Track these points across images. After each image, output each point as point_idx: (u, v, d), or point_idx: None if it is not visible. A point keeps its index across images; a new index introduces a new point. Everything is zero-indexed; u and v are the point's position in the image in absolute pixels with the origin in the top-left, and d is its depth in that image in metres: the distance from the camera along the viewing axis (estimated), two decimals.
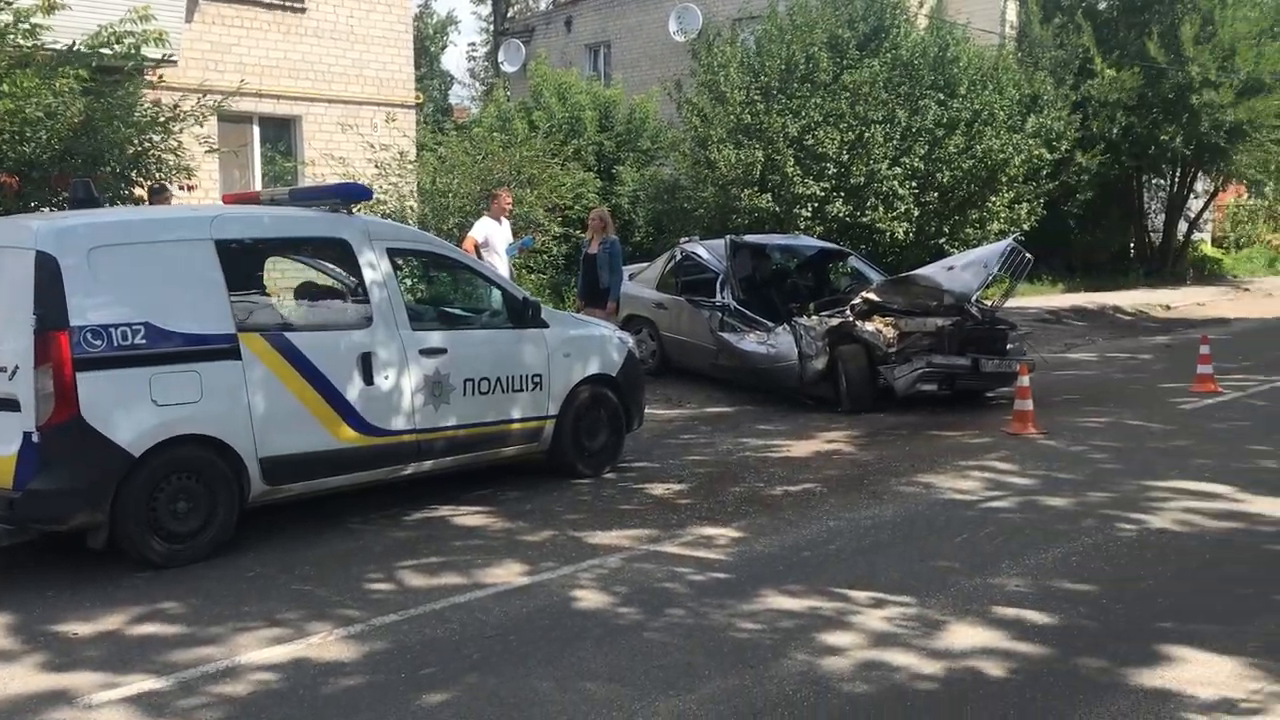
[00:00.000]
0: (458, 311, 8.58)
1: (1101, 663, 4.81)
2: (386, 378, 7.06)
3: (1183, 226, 26.88)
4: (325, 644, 5.12)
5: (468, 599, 5.69)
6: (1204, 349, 12.04)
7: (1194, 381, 11.77)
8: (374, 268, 7.21)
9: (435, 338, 7.48)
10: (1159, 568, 6.10)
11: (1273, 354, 14.41)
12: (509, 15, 38.42)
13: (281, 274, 9.32)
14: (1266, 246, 31.90)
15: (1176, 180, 25.82)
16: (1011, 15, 24.35)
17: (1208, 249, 30.13)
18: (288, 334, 6.76)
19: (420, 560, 6.36)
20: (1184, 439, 9.43)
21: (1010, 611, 5.42)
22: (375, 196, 14.99)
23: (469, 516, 7.34)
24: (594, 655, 4.94)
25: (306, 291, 7.81)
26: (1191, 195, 26.81)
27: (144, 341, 6.14)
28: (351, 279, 7.46)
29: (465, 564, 6.28)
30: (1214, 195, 28.36)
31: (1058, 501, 7.48)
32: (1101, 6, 24.12)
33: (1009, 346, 11.19)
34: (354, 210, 7.60)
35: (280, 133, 16.80)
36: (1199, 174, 25.99)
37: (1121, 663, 4.80)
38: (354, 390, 6.89)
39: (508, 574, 6.10)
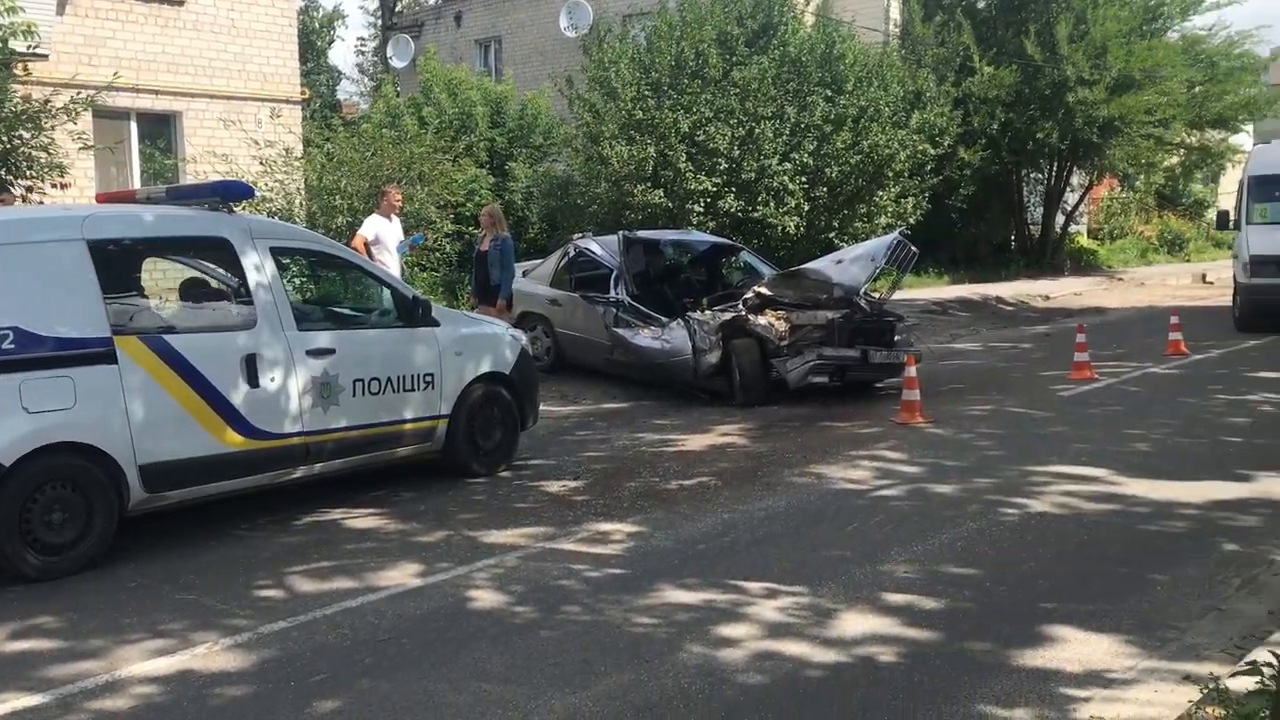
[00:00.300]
0: (346, 311, 8.43)
1: (986, 644, 4.95)
2: (272, 380, 6.90)
3: (1060, 219, 27.80)
4: (211, 654, 4.98)
5: (360, 603, 5.60)
6: (1080, 337, 12.48)
7: (1072, 369, 12.19)
8: (257, 267, 7.03)
9: (323, 338, 7.34)
10: (1040, 550, 6.30)
11: (1145, 341, 14.99)
12: (397, 10, 37.82)
13: (163, 274, 9.05)
14: (1138, 238, 33.19)
15: (1053, 175, 26.69)
16: (895, 13, 24.89)
17: (1084, 241, 31.23)
18: (167, 337, 6.55)
19: (310, 565, 6.24)
20: (1063, 425, 9.75)
21: (899, 598, 5.54)
22: (261, 194, 14.66)
23: (361, 519, 7.22)
24: (489, 655, 4.91)
25: (189, 292, 7.57)
26: (1068, 189, 27.74)
27: (13, 347, 5.89)
28: (234, 279, 7.26)
29: (357, 567, 6.18)
30: (1089, 189, 29.41)
31: (944, 488, 7.67)
32: (980, 5, 24.80)
33: (897, 338, 11.43)
34: (235, 208, 7.41)
35: (160, 129, 16.28)
36: (1074, 168, 26.90)
37: (1005, 644, 4.94)
38: (238, 393, 6.72)
39: (401, 576, 6.02)
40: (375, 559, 6.32)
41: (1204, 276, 26.79)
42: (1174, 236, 33.44)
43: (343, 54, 77.27)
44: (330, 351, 7.27)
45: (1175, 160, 29.09)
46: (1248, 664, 3.98)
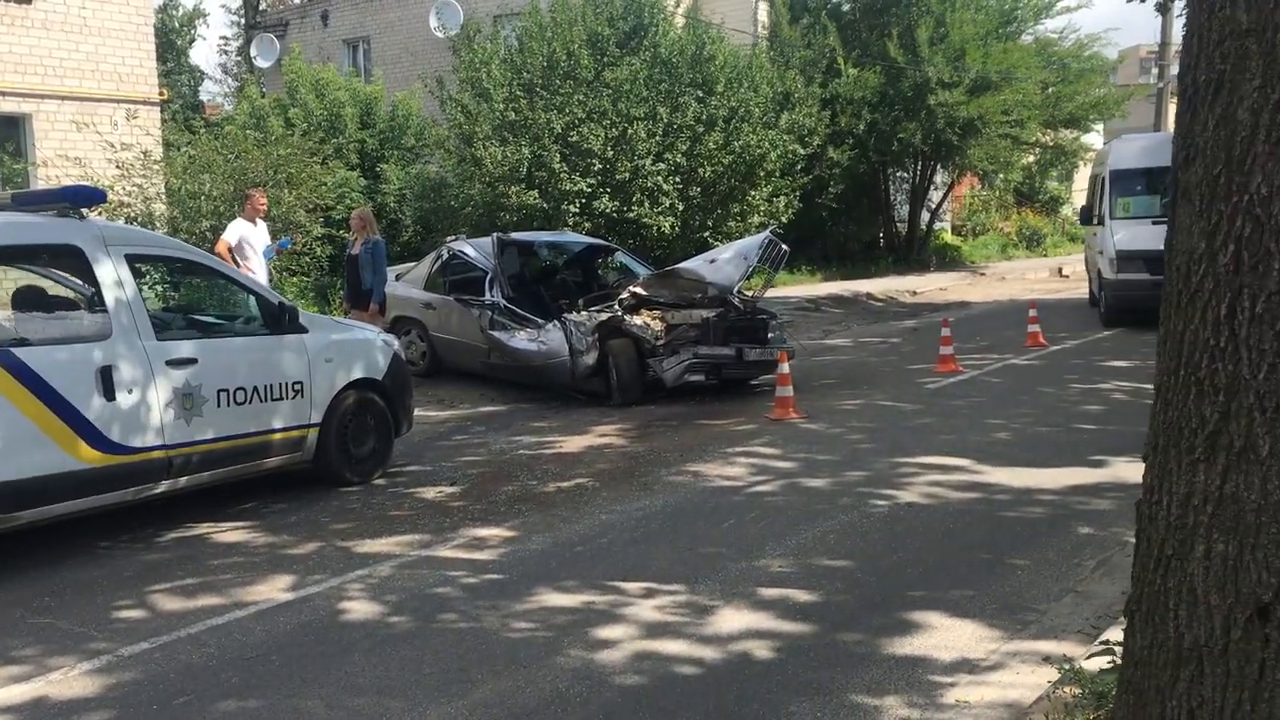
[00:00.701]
0: (210, 319, 8.19)
1: (858, 635, 5.06)
2: (130, 392, 6.64)
3: (925, 217, 28.63)
4: (68, 680, 4.77)
5: (227, 620, 5.44)
6: (945, 331, 12.87)
7: (937, 362, 12.56)
8: (112, 276, 6.76)
9: (184, 347, 7.10)
10: (908, 540, 6.47)
11: (1006, 334, 15.54)
12: (261, 9, 36.87)
13: (14, 283, 8.63)
14: (999, 234, 34.39)
15: (918, 173, 27.46)
16: (763, 16, 25.30)
17: (948, 237, 32.21)
18: (15, 350, 6.25)
19: (175, 582, 6.03)
20: (929, 417, 10.04)
21: (774, 592, 5.62)
22: (118, 199, 14.14)
23: (229, 533, 7.02)
24: (363, 668, 4.82)
25: (32, 301, 7.21)
26: (932, 187, 28.58)
27: None
28: (88, 288, 6.97)
29: (225, 583, 6.00)
30: (951, 187, 30.34)
31: (817, 482, 7.82)
32: (845, 9, 25.36)
33: (770, 335, 11.61)
34: (88, 214, 7.11)
35: (9, 132, 15.58)
36: (938, 167, 27.72)
37: (876, 633, 5.06)
38: (93, 407, 6.45)
39: (271, 590, 5.86)
40: (244, 574, 6.15)
41: (1060, 270, 27.91)
42: (1032, 232, 34.73)
43: (205, 53, 75.13)
44: (192, 361, 7.04)
45: (1031, 159, 30.24)
46: (1101, 644, 4.16)
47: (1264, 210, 1.97)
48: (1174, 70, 32.76)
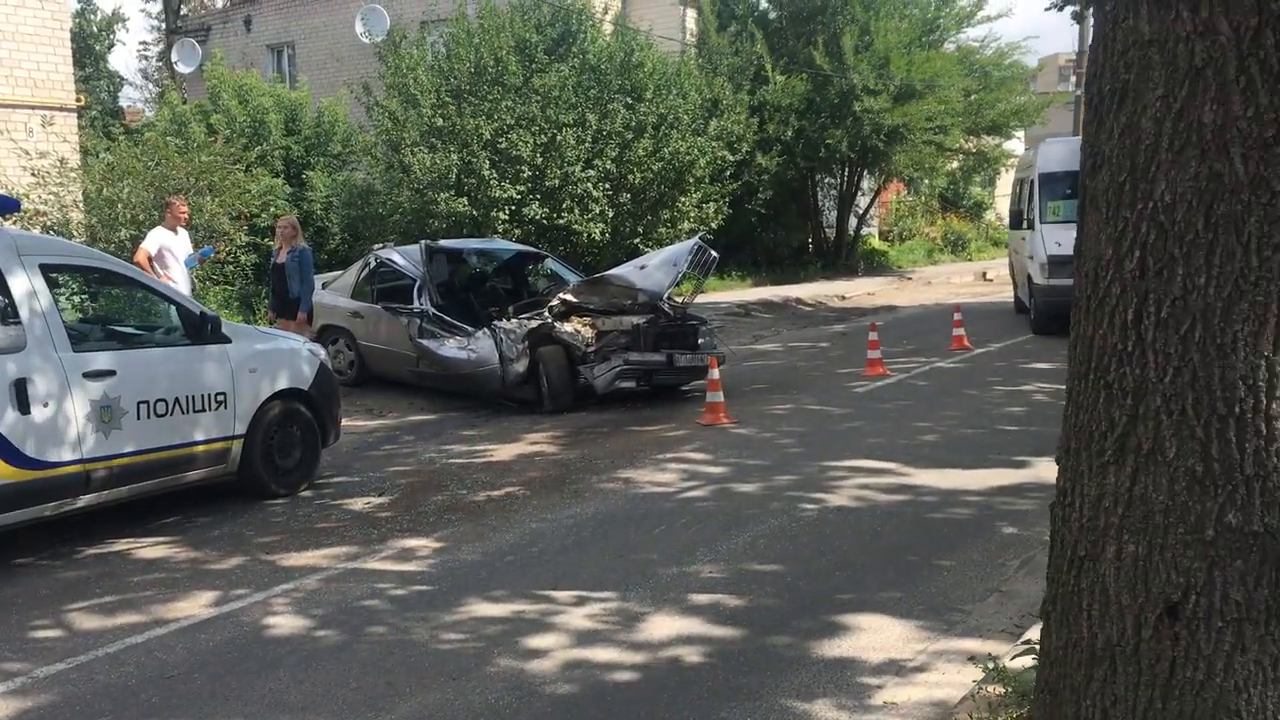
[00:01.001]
0: (129, 330, 8.00)
1: (788, 639, 5.09)
2: (45, 405, 6.47)
3: (853, 222, 28.96)
4: None
5: (147, 638, 5.32)
6: (873, 335, 13.03)
7: (866, 366, 12.71)
8: (25, 286, 6.58)
9: (102, 359, 6.93)
10: (837, 543, 6.53)
11: (932, 337, 15.77)
12: (182, 14, 36.20)
13: None
14: (925, 239, 34.93)
15: (845, 179, 27.78)
16: (690, 23, 25.43)
17: (875, 242, 32.63)
18: None
19: (94, 600, 5.88)
20: (858, 420, 10.15)
21: (705, 598, 5.64)
22: (33, 208, 13.79)
23: (151, 548, 6.86)
24: (289, 685, 4.74)
25: None
26: (859, 193, 28.92)
27: None
28: (0, 299, 6.77)
29: (145, 600, 5.87)
30: (878, 193, 30.74)
31: (747, 487, 7.86)
32: (772, 17, 25.58)
33: (701, 341, 11.66)
34: (1, 223, 6.92)
35: None
36: (864, 173, 28.06)
37: (806, 637, 5.10)
38: (6, 421, 6.27)
39: (193, 607, 5.74)
40: (165, 590, 6.02)
41: (984, 274, 28.40)
42: (956, 237, 35.32)
43: (124, 59, 73.41)
44: (110, 373, 6.87)
45: (955, 165, 30.74)
46: (1024, 643, 4.23)
47: (1168, 217, 2.02)
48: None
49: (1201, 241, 1.99)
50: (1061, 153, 16.36)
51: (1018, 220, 17.64)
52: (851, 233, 28.88)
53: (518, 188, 17.33)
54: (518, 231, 17.21)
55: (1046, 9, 26.78)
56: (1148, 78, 2.02)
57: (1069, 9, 17.63)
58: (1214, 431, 2.03)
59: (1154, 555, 2.10)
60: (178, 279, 10.95)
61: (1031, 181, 16.51)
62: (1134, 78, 2.04)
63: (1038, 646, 4.04)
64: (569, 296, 11.64)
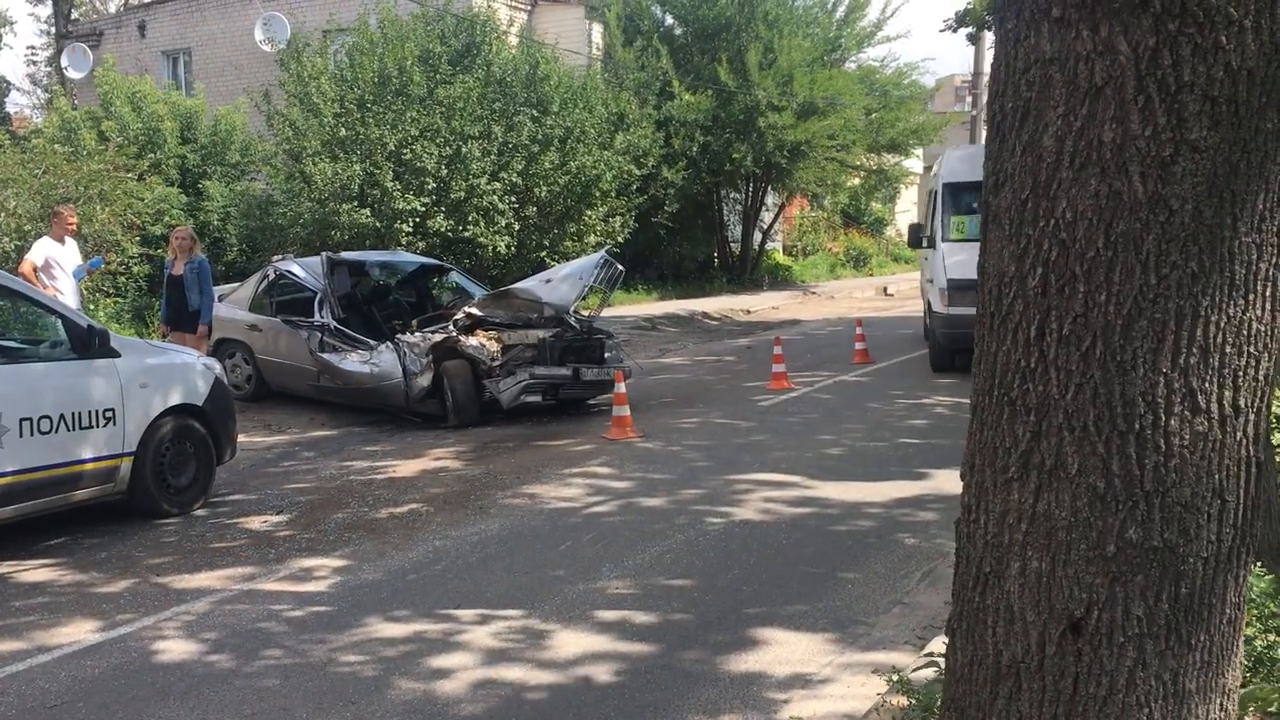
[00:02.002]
0: (11, 344, 7.66)
1: (696, 654, 5.07)
2: None
3: (758, 237, 29.27)
4: None
5: (28, 666, 5.07)
6: (777, 349, 13.15)
7: (771, 380, 12.81)
8: None
9: None
10: (744, 557, 6.54)
11: (835, 351, 15.99)
12: (73, 18, 35.08)
13: None
14: (828, 254, 35.46)
15: (750, 195, 28.07)
16: (597, 38, 25.47)
17: (780, 257, 33.01)
18: None
19: None
20: (763, 434, 10.21)
21: (613, 614, 5.59)
22: None
23: (34, 571, 6.57)
24: (179, 713, 4.55)
25: None
26: (764, 208, 29.25)
27: None
28: None
29: (26, 626, 5.60)
30: (782, 208, 31.12)
31: (654, 501, 7.83)
32: (677, 33, 25.77)
33: (607, 355, 11.62)
34: None
35: None
36: (769, 188, 28.39)
37: (714, 651, 5.08)
38: None
39: (78, 632, 5.50)
40: (48, 615, 5.76)
41: (885, 289, 28.94)
42: (858, 253, 35.94)
43: (11, 63, 70.75)
44: None
45: (857, 182, 31.27)
46: (927, 656, 4.27)
47: (1069, 234, 2.04)
48: (986, 98, 34.45)
49: (1102, 259, 2.02)
50: (968, 160, 14.39)
51: (916, 237, 15.37)
52: (756, 247, 29.19)
53: (422, 200, 17.13)
54: (422, 244, 17.01)
55: (941, 30, 27.51)
56: (1049, 96, 2.04)
57: (964, 31, 18.04)
58: (1115, 448, 2.05)
59: (1057, 571, 2.11)
60: (65, 291, 10.56)
61: (934, 193, 14.65)
62: (1035, 96, 2.06)
63: (941, 660, 4.10)
64: (474, 310, 11.51)
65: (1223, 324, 2.01)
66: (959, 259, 12.89)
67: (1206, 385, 2.02)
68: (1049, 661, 2.12)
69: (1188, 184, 1.96)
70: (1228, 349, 2.02)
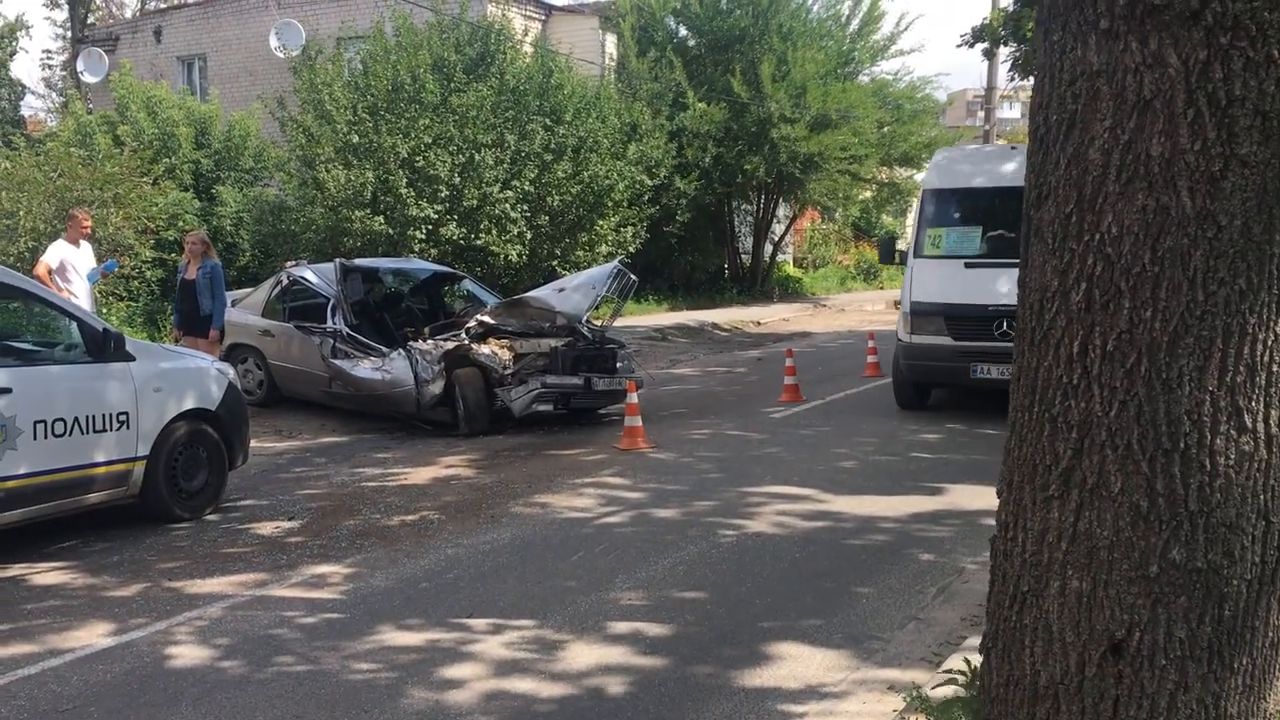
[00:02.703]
0: (26, 346, 7.66)
1: (709, 668, 5.02)
2: None
3: (769, 249, 29.25)
4: None
5: (40, 669, 5.04)
6: (789, 361, 13.10)
7: (783, 392, 12.76)
8: None
9: None
10: (757, 570, 6.49)
11: (846, 364, 15.94)
12: (89, 22, 35.21)
13: None
14: (838, 266, 35.42)
15: (761, 206, 28.06)
16: (611, 48, 25.49)
17: (790, 269, 32.98)
18: None
19: None
20: (776, 446, 10.16)
21: (625, 625, 5.55)
22: None
23: (46, 574, 6.55)
24: (191, 718, 4.52)
25: None
26: (775, 220, 29.23)
27: None
28: None
29: (39, 629, 5.58)
30: (793, 220, 31.10)
31: (666, 513, 7.79)
32: (691, 44, 25.79)
33: (619, 365, 11.60)
34: None
35: None
36: (780, 200, 28.38)
37: (727, 665, 5.04)
38: None
39: (90, 636, 5.48)
40: (60, 619, 5.73)
41: (895, 303, 28.83)
42: (869, 265, 35.85)
43: (28, 67, 71.13)
44: (6, 391, 6.57)
45: (868, 195, 31.25)
46: (946, 673, 4.22)
47: (1115, 249, 2.01)
48: (999, 113, 34.42)
49: (1148, 275, 1.99)
50: (956, 164, 12.68)
51: (889, 251, 13.69)
52: (767, 259, 29.16)
53: (435, 207, 17.13)
54: (434, 251, 17.00)
55: (957, 45, 27.50)
56: (1095, 109, 2.01)
57: (979, 46, 17.99)
58: (1159, 467, 2.02)
59: (1098, 591, 2.07)
60: (79, 294, 10.57)
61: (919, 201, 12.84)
62: (1081, 108, 2.03)
63: (959, 676, 4.05)
64: (486, 318, 11.50)
65: (1270, 342, 1.98)
66: (926, 279, 11.53)
67: (1253, 404, 1.99)
68: (1089, 683, 2.09)
69: (1237, 199, 1.93)
70: (1275, 367, 1.99)
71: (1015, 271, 10.63)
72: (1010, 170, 11.73)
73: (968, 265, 11.38)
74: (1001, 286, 10.79)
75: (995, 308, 10.77)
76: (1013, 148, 13.03)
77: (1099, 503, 2.06)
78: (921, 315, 11.34)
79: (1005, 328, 10.47)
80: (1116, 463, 2.04)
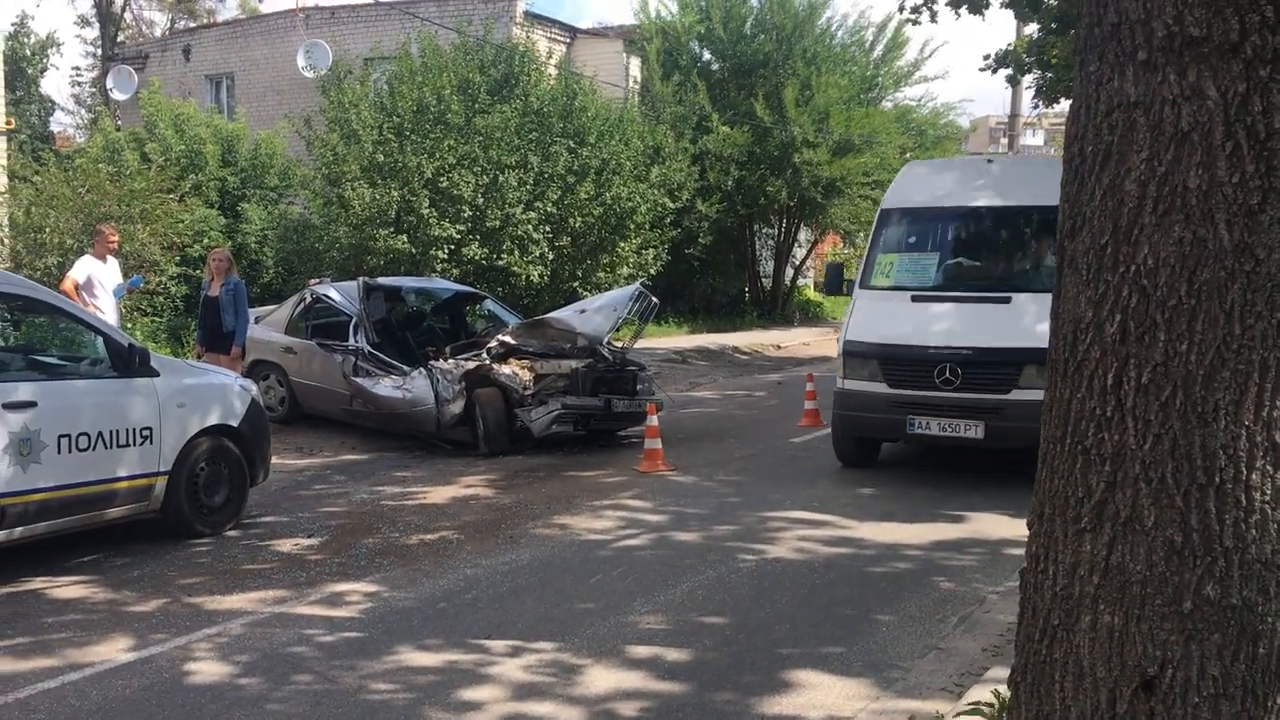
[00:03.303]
0: (52, 360, 7.72)
1: (729, 695, 4.99)
2: None
3: (789, 273, 29.24)
4: None
5: (60, 683, 5.05)
6: (809, 386, 13.07)
7: (803, 416, 12.72)
8: None
9: (22, 390, 6.66)
10: (777, 595, 6.46)
11: None
12: (119, 40, 35.63)
13: None
14: None
15: (783, 230, 28.08)
16: (635, 71, 25.62)
17: (811, 293, 32.95)
18: None
19: (4, 642, 5.60)
20: (796, 471, 10.12)
21: (645, 650, 5.53)
22: None
23: (67, 588, 6.57)
24: None
25: None
26: (796, 244, 29.23)
27: None
28: None
29: (60, 643, 5.59)
30: (815, 244, 31.09)
31: (686, 536, 7.77)
32: (715, 68, 25.89)
33: (639, 387, 11.59)
34: None
35: None
36: (801, 224, 28.39)
37: (747, 692, 5.01)
38: None
39: (110, 651, 5.49)
40: (81, 633, 5.75)
41: None
42: None
43: (58, 83, 71.88)
44: (31, 405, 6.61)
45: None
46: (971, 704, 4.18)
47: (1150, 281, 2.00)
48: (1022, 140, 34.37)
49: (1184, 307, 1.97)
50: (922, 179, 10.92)
51: (834, 279, 11.56)
52: (788, 283, 29.15)
53: (458, 227, 17.22)
54: (456, 271, 17.07)
55: (981, 69, 27.44)
56: (1132, 140, 2.00)
57: (1003, 72, 17.95)
58: (1193, 501, 2.00)
59: (1130, 627, 2.05)
60: (105, 309, 10.65)
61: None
62: (1118, 140, 2.02)
63: (985, 708, 4.01)
64: (507, 338, 11.52)
65: None
66: (866, 314, 9.74)
67: None
68: None
69: (1275, 233, 1.92)
70: None
71: (970, 307, 9.25)
72: (982, 187, 10.38)
73: (915, 299, 9.70)
74: (948, 325, 9.41)
75: (938, 350, 9.18)
76: (990, 160, 11.35)
77: (1132, 537, 2.04)
78: (855, 357, 9.56)
79: (949, 374, 9.04)
80: (1150, 496, 2.02)
